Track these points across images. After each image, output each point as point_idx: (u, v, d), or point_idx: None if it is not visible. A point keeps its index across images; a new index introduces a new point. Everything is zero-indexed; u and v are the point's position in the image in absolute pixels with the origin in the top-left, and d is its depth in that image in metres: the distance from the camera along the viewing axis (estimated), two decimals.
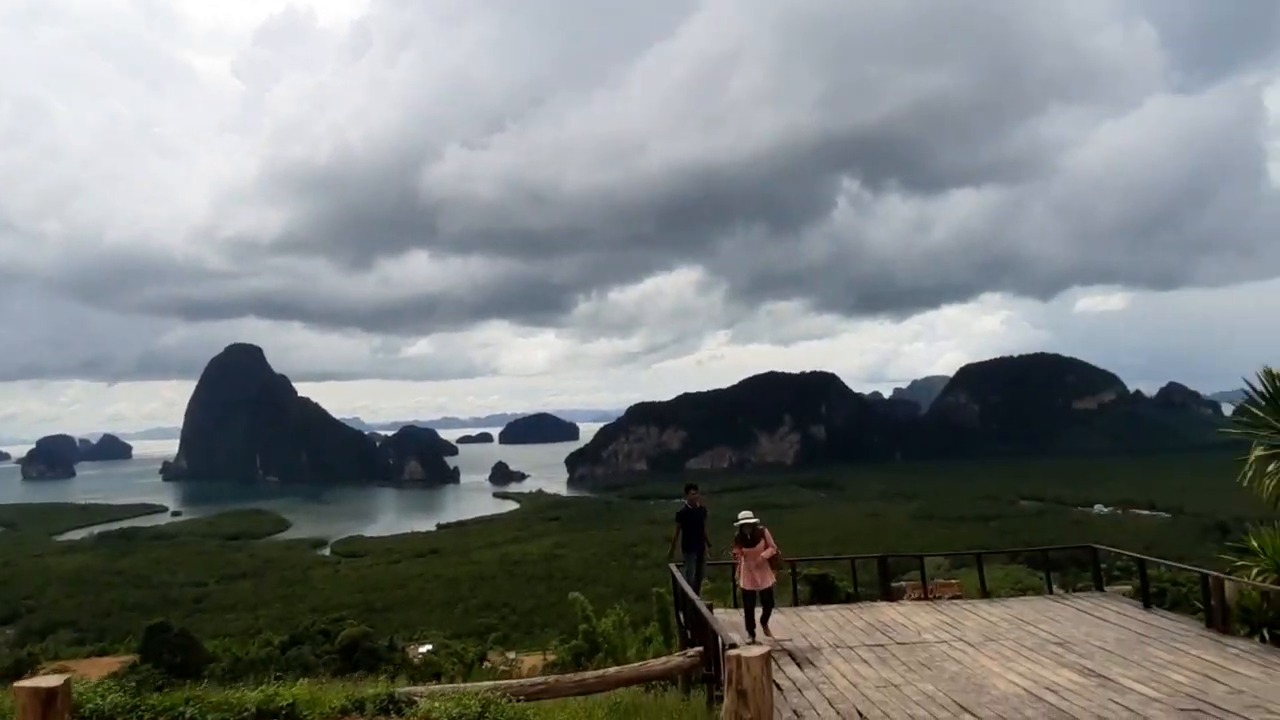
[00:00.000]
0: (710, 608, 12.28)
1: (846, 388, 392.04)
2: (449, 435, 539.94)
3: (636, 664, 10.70)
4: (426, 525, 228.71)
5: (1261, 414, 12.00)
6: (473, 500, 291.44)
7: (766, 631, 11.78)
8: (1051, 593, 15.17)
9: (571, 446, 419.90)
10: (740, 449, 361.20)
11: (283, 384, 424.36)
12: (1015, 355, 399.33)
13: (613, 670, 10.41)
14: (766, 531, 11.83)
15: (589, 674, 10.56)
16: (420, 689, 9.55)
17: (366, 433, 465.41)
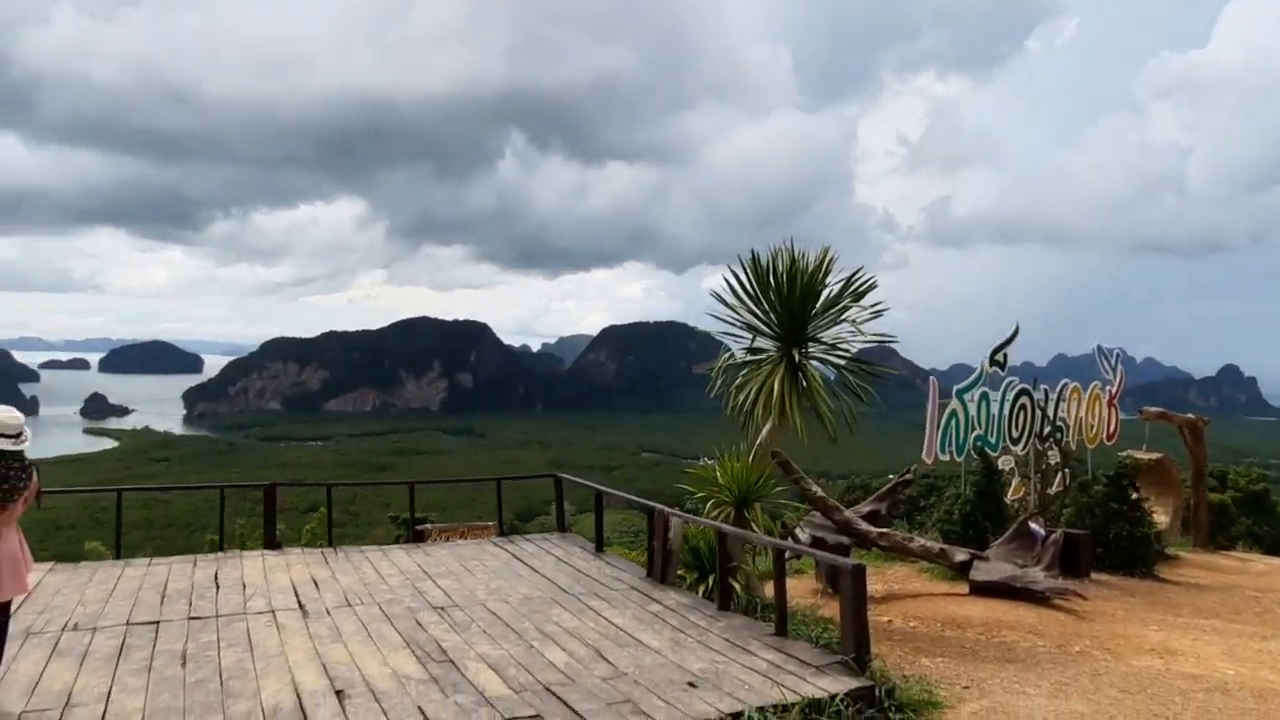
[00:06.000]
0: None
1: (497, 338, 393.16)
2: (29, 359, 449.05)
3: None
4: None
5: (737, 308, 9.61)
6: (55, 436, 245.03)
7: None
8: (504, 533, 12.09)
9: (193, 380, 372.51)
10: (386, 392, 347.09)
11: None
12: (651, 321, 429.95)
13: None
14: (36, 475, 5.62)
15: None
16: None
17: None
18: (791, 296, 9.14)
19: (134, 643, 6.68)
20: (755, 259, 9.30)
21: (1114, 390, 16.02)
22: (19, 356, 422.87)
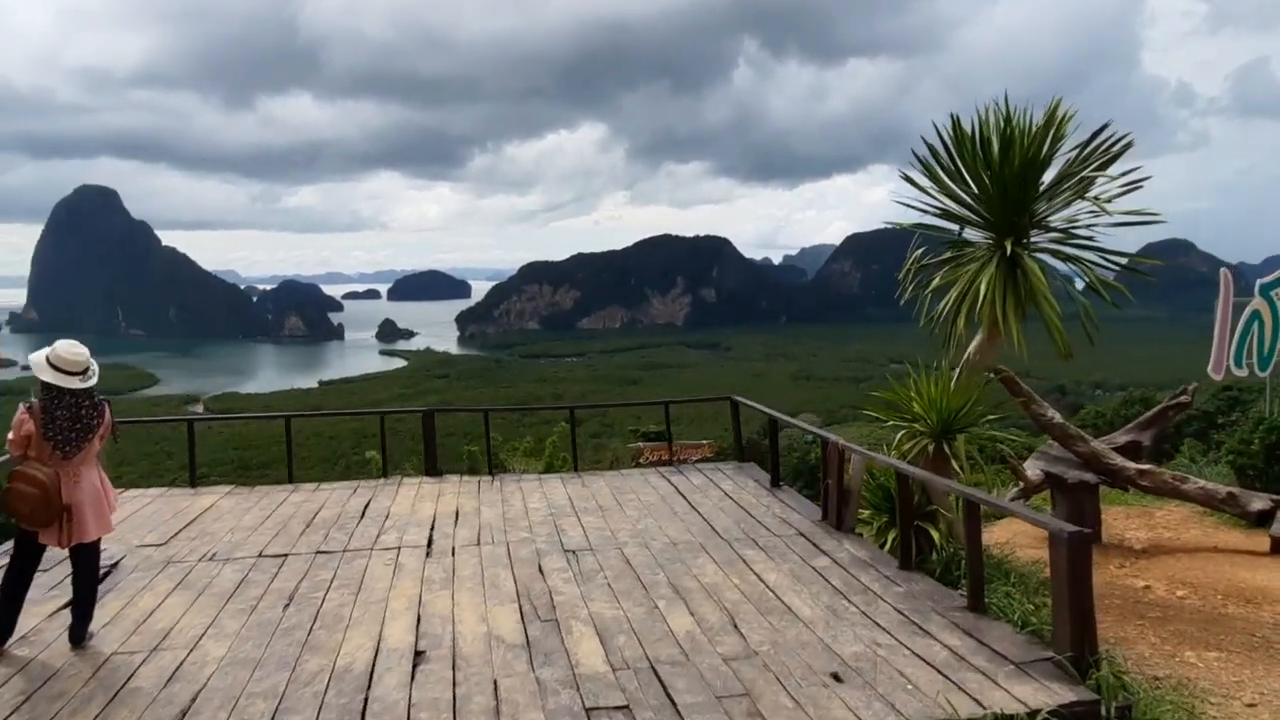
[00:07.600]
0: None
1: (738, 252, 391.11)
2: (333, 291, 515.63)
3: None
4: (308, 382, 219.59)
5: (931, 190, 7.59)
6: (358, 357, 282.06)
7: (79, 642, 5.21)
8: (672, 462, 11.03)
9: (463, 304, 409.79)
10: (632, 309, 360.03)
11: (143, 231, 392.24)
12: (898, 226, 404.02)
13: None
14: (109, 408, 5.42)
15: None
16: None
17: (243, 286, 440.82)
18: (1006, 169, 7.01)
19: (255, 577, 6.45)
20: (955, 123, 7.22)
21: None
22: (326, 289, 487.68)
